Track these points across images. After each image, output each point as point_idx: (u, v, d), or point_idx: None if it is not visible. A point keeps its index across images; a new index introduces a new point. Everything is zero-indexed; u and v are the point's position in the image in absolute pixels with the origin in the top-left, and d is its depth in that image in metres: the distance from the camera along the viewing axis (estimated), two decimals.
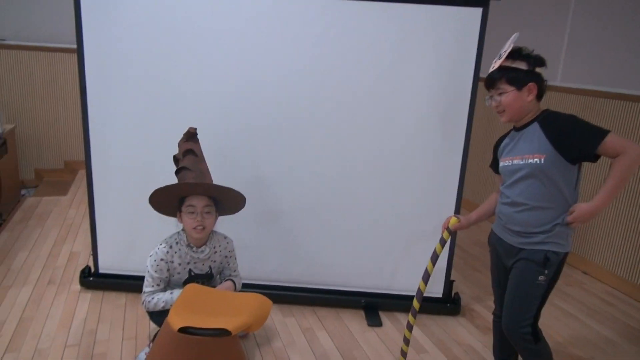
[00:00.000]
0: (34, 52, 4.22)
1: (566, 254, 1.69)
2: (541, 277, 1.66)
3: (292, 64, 2.30)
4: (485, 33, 2.23)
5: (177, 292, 1.93)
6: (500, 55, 1.66)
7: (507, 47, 1.63)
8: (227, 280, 2.09)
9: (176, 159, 2.05)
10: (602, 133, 1.54)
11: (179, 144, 2.06)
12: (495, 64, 1.66)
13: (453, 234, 1.97)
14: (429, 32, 2.25)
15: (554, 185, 1.62)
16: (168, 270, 1.98)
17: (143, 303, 1.96)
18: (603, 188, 1.59)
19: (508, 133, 1.77)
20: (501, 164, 1.75)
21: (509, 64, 1.63)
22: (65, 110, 4.42)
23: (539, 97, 1.65)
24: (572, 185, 1.64)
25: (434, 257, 1.92)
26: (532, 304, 1.69)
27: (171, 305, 1.84)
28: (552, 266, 1.66)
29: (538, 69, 1.63)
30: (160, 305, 1.93)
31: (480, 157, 4.07)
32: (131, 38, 2.28)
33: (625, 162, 1.53)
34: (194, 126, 2.09)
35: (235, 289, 2.08)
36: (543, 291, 1.68)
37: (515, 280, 1.72)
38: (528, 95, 1.62)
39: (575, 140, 1.57)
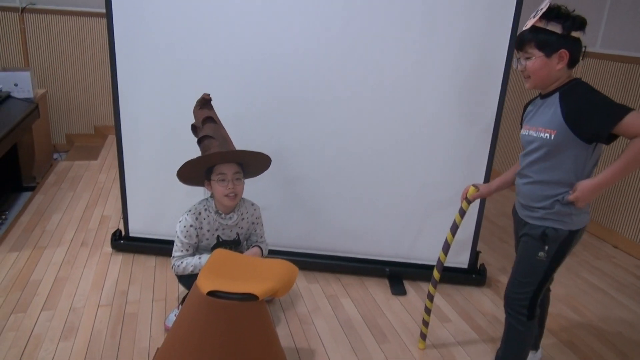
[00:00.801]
0: (63, 16, 4.24)
1: (572, 232, 1.58)
2: (541, 254, 1.60)
3: (318, 32, 2.25)
4: None
5: (205, 257, 1.96)
6: (535, 13, 1.50)
7: (544, 5, 1.47)
8: (254, 246, 2.12)
9: (194, 128, 2.03)
10: (621, 113, 1.40)
11: (194, 112, 2.04)
12: (528, 23, 1.50)
13: (474, 203, 1.93)
14: None
15: (562, 163, 1.53)
16: (197, 236, 2.01)
17: (173, 267, 2.00)
18: (611, 165, 1.47)
19: (536, 98, 1.66)
20: (521, 131, 1.67)
21: (542, 25, 1.47)
22: (94, 75, 4.46)
23: (571, 65, 1.50)
24: (583, 165, 1.52)
25: (454, 228, 1.91)
26: (533, 279, 1.64)
27: (199, 270, 1.88)
28: (552, 243, 1.59)
29: (574, 34, 1.47)
30: (189, 270, 1.97)
31: (512, 125, 3.97)
32: (160, 3, 2.26)
33: (638, 145, 1.40)
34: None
35: (262, 255, 2.11)
36: (545, 268, 1.62)
37: (519, 254, 1.69)
38: (558, 62, 1.48)
39: (589, 118, 1.44)
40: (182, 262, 1.98)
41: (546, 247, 1.59)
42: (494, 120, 2.32)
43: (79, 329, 2.03)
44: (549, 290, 1.89)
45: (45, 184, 3.52)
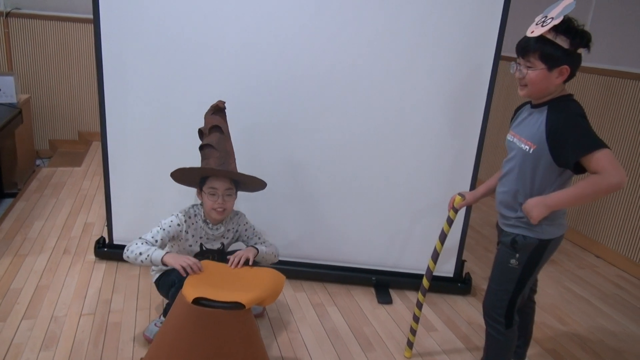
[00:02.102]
0: (49, 21, 4.19)
1: (543, 241, 1.58)
2: (512, 261, 1.61)
3: (307, 45, 2.26)
4: (509, 8, 2.17)
5: (158, 252, 1.82)
6: (544, 21, 1.44)
7: (557, 16, 1.41)
8: (249, 247, 2.02)
9: (201, 133, 2.00)
10: (594, 147, 1.38)
11: (205, 116, 2.01)
12: (535, 30, 1.45)
13: (460, 211, 1.95)
14: (450, 7, 2.19)
15: (534, 178, 1.54)
16: (175, 238, 1.96)
17: (126, 248, 1.85)
18: (566, 189, 1.48)
19: (527, 103, 1.64)
20: (507, 136, 1.66)
21: (550, 37, 1.42)
22: (79, 81, 4.41)
23: (568, 79, 1.48)
24: (550, 186, 1.52)
25: (442, 237, 1.92)
26: (507, 287, 1.64)
27: (145, 260, 1.79)
28: (522, 250, 1.59)
29: (580, 50, 1.44)
30: (137, 253, 1.82)
31: (497, 134, 4.02)
32: (148, 6, 2.25)
33: (594, 181, 1.39)
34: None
35: (257, 254, 1.99)
36: (517, 275, 1.62)
37: (494, 262, 1.70)
38: (557, 77, 1.46)
39: (564, 142, 1.44)
40: (141, 244, 1.85)
41: (517, 255, 1.60)
42: (479, 129, 2.35)
43: (60, 339, 1.99)
44: (533, 302, 1.91)
45: (27, 191, 3.46)
